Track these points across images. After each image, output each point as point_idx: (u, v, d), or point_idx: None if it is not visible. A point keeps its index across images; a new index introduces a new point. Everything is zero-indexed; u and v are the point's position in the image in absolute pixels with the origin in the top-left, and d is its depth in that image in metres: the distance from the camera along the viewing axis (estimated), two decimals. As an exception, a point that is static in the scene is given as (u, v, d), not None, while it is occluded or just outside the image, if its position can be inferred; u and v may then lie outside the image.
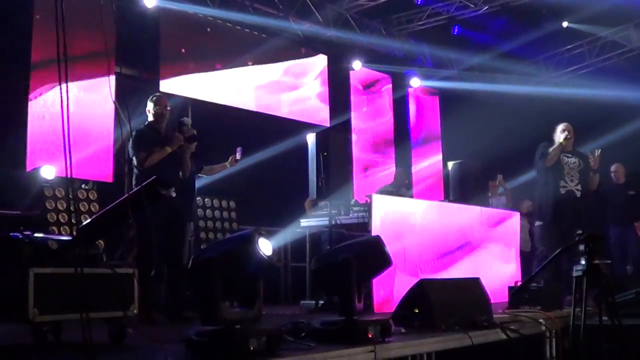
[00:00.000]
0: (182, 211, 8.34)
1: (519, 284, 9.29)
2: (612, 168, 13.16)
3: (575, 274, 5.69)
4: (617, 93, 16.59)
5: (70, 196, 8.53)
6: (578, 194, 10.10)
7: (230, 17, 13.74)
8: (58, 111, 4.13)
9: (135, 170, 8.16)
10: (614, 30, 18.21)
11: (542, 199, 10.16)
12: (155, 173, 7.77)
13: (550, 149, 9.95)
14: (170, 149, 7.98)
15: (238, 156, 8.76)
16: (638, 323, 7.25)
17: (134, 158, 7.99)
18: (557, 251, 6.43)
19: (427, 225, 10.10)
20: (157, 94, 8.76)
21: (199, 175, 8.59)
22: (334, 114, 15.58)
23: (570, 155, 10.16)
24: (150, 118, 8.26)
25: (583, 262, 5.63)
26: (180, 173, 8.25)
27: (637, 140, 15.85)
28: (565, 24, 17.53)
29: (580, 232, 5.84)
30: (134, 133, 8.09)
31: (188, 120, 8.29)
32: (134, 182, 7.97)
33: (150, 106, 8.28)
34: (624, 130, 16.01)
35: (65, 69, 4.11)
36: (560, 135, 10.03)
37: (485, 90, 18.51)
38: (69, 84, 4.09)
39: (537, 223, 10.18)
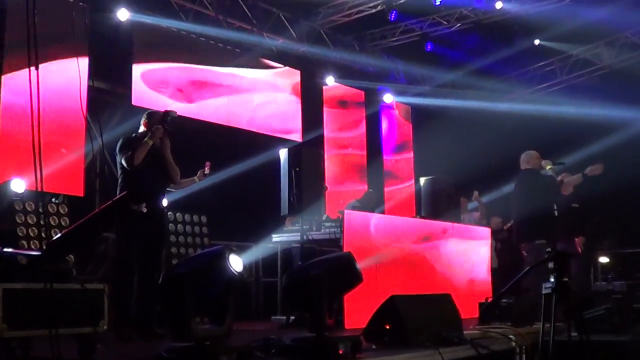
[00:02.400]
0: (162, 224, 8.30)
1: (489, 300, 9.33)
2: (558, 178, 12.57)
3: (544, 291, 5.73)
4: (588, 110, 16.71)
5: (41, 210, 8.45)
6: (556, 214, 10.50)
7: (204, 32, 13.74)
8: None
9: (119, 180, 8.02)
10: (585, 48, 18.42)
11: (540, 217, 10.33)
12: (140, 180, 7.74)
13: (558, 180, 10.45)
14: (151, 141, 7.84)
15: (207, 170, 8.69)
16: (606, 339, 7.32)
17: (122, 161, 7.83)
18: (526, 268, 6.47)
19: (398, 241, 10.13)
20: (151, 110, 8.66)
21: (168, 189, 8.51)
22: (306, 129, 15.59)
23: None
24: (142, 129, 8.12)
25: (552, 279, 5.67)
26: (170, 177, 8.15)
27: (608, 158, 15.94)
28: (537, 42, 17.74)
29: (549, 249, 5.90)
30: (120, 139, 8.00)
31: (175, 113, 8.11)
32: (118, 191, 7.84)
33: (143, 120, 8.16)
34: (595, 147, 16.12)
35: (37, 78, 4.10)
36: (545, 164, 10.45)
37: (458, 107, 18.59)
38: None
39: (537, 242, 10.30)
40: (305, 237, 10.30)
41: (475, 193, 14.40)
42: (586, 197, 12.01)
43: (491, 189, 14.42)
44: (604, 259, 16.20)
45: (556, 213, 10.47)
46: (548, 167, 10.39)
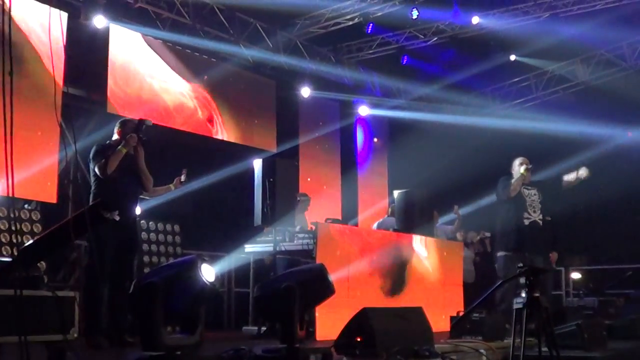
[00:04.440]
0: (134, 233, 8.25)
1: (461, 313, 9.33)
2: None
3: (515, 306, 5.75)
4: (563, 126, 16.82)
5: (13, 216, 8.40)
6: (541, 224, 10.03)
7: (181, 41, 13.71)
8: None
9: (92, 187, 7.96)
10: (560, 65, 18.54)
11: (506, 229, 10.06)
12: (113, 188, 7.70)
13: (513, 181, 9.88)
14: (124, 149, 7.79)
15: (183, 178, 8.67)
16: (576, 355, 7.35)
17: (95, 169, 7.77)
18: (498, 283, 6.49)
19: (371, 254, 10.13)
20: (126, 118, 8.62)
21: (142, 196, 8.47)
22: (281, 140, 15.58)
23: (529, 187, 10.01)
24: (116, 137, 8.07)
25: (524, 294, 5.69)
26: (143, 185, 8.12)
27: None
28: (513, 57, 17.81)
29: (521, 264, 5.91)
30: (94, 147, 7.95)
31: (150, 122, 8.07)
32: (91, 199, 7.78)
33: (117, 129, 8.10)
34: (569, 163, 16.18)
35: (11, 84, 4.07)
36: (519, 167, 9.95)
37: (433, 121, 18.65)
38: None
39: (500, 253, 10.04)
40: (278, 248, 10.29)
41: (455, 207, 14.43)
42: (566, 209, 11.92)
43: (465, 203, 14.46)
44: (576, 275, 16.28)
45: (525, 223, 10.02)
46: (522, 171, 9.98)
